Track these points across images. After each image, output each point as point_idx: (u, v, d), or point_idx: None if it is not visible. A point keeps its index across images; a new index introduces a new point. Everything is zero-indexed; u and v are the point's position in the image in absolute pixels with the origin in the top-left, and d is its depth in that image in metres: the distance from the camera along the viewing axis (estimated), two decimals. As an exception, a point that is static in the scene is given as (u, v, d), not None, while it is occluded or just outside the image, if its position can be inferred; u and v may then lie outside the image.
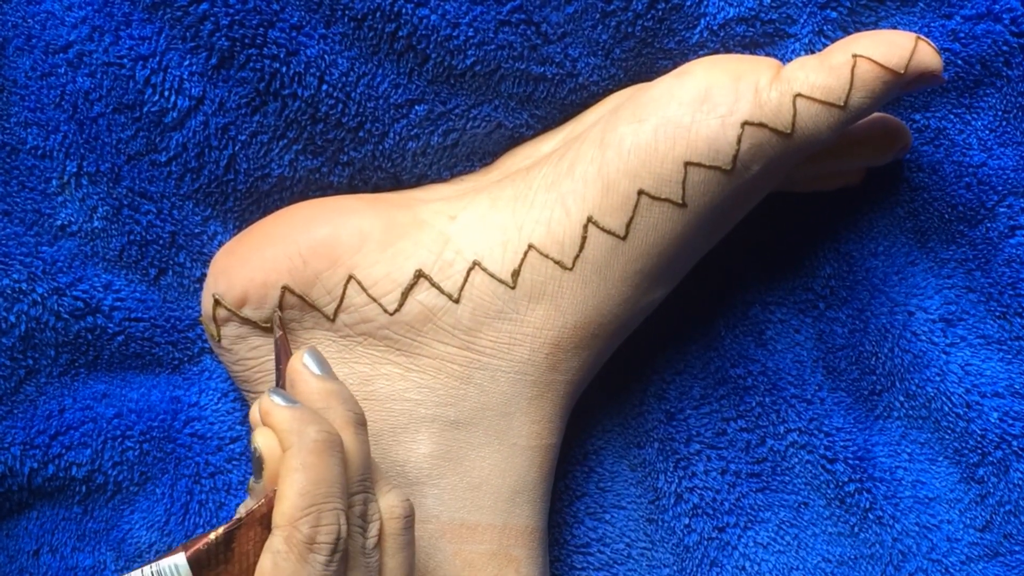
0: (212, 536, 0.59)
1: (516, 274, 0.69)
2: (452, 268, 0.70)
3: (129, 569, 0.77)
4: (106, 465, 0.76)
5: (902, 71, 0.67)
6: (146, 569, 0.59)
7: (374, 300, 0.70)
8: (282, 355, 0.68)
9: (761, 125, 0.67)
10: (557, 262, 0.69)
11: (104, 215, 0.74)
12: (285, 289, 0.70)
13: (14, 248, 0.74)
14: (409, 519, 0.63)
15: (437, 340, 0.70)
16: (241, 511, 0.60)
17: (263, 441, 0.61)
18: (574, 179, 0.69)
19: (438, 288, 0.69)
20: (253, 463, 0.61)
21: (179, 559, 0.59)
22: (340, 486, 0.60)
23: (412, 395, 0.70)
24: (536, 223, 0.70)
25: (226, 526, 0.59)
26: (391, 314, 0.70)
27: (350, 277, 0.70)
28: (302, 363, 0.64)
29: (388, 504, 0.63)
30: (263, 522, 0.59)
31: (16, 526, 0.76)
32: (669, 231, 0.69)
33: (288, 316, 0.71)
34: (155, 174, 0.74)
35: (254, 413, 0.63)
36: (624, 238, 0.69)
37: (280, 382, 0.67)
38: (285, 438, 0.60)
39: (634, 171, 0.68)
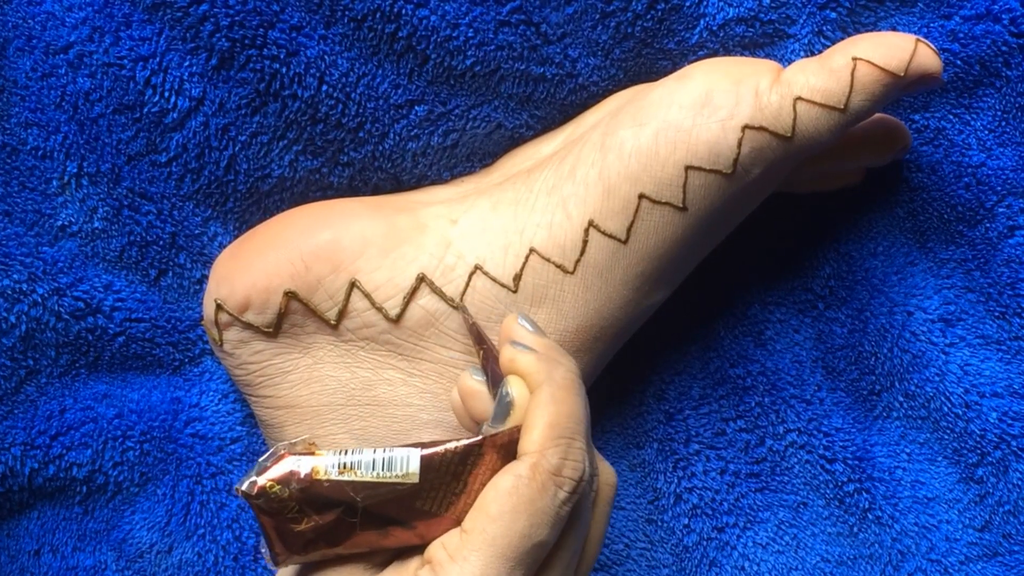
0: (452, 445, 0.58)
1: (518, 278, 0.70)
2: (454, 272, 0.70)
3: (130, 569, 0.77)
4: (107, 465, 0.76)
5: (902, 73, 0.67)
6: (379, 451, 0.58)
7: (376, 306, 0.70)
8: (478, 335, 0.68)
9: (761, 128, 0.67)
10: (559, 266, 0.69)
11: (104, 216, 0.74)
12: (287, 294, 0.70)
13: (15, 248, 0.74)
14: (615, 490, 0.63)
15: (439, 345, 0.70)
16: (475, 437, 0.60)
17: (515, 385, 0.61)
18: (575, 183, 0.69)
19: (440, 293, 0.69)
20: (497, 408, 0.61)
21: (413, 453, 0.58)
22: (586, 427, 0.60)
23: (414, 400, 0.70)
24: (537, 227, 0.70)
25: (466, 442, 0.59)
26: (393, 320, 0.70)
27: (352, 282, 0.70)
28: (518, 323, 0.64)
29: (605, 469, 0.63)
30: (500, 452, 0.59)
31: (17, 526, 0.76)
32: (670, 234, 0.69)
33: (290, 321, 0.71)
34: (155, 175, 0.74)
35: (465, 383, 0.64)
36: (625, 242, 0.69)
37: (485, 361, 0.66)
38: (533, 379, 0.60)
39: (635, 175, 0.68)
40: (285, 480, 0.57)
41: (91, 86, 0.72)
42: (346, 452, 0.58)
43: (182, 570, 0.77)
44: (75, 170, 0.73)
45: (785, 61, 0.76)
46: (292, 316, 0.70)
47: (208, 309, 0.72)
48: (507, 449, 0.59)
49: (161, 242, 0.75)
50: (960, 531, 0.79)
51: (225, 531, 0.78)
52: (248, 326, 0.71)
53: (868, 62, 0.67)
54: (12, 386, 0.75)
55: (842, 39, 0.75)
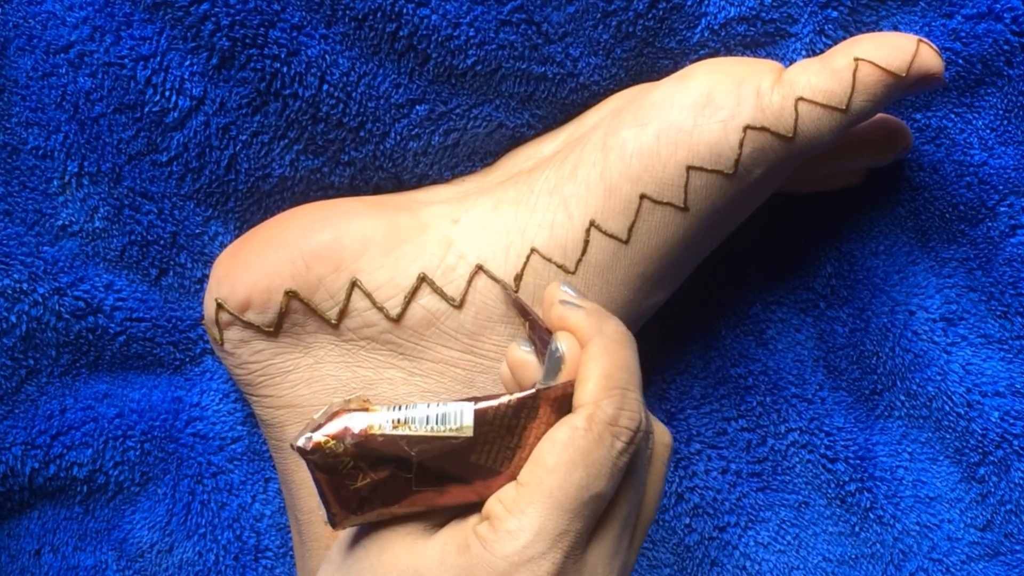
0: (505, 400, 0.58)
1: (519, 278, 0.69)
2: (455, 272, 0.70)
3: (131, 568, 0.77)
4: (107, 465, 0.76)
5: (904, 74, 0.67)
6: (432, 405, 0.58)
7: (377, 305, 0.70)
8: (522, 307, 0.67)
9: (763, 129, 0.67)
10: (560, 266, 0.69)
11: (105, 215, 0.74)
12: (288, 294, 0.70)
13: (15, 248, 0.74)
14: (671, 451, 0.63)
15: (440, 344, 0.70)
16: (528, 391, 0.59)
17: (565, 339, 0.60)
18: (576, 183, 0.69)
19: (441, 293, 0.69)
20: (548, 364, 0.60)
21: (466, 407, 0.57)
22: (639, 378, 0.59)
23: (415, 399, 0.70)
24: (539, 227, 0.70)
25: (520, 395, 0.58)
26: (394, 319, 0.70)
27: (353, 282, 0.70)
28: (562, 289, 0.63)
29: (659, 429, 0.63)
30: (554, 406, 0.58)
31: (18, 526, 0.76)
32: (671, 235, 0.69)
33: (291, 320, 0.71)
34: (156, 174, 0.74)
35: (514, 354, 0.64)
36: (626, 242, 0.69)
37: (531, 331, 0.66)
38: (584, 333, 0.59)
39: (636, 175, 0.68)
40: (339, 436, 0.57)
41: (92, 85, 0.72)
42: (399, 408, 0.58)
43: (183, 569, 0.77)
44: (76, 169, 0.73)
45: (786, 60, 0.76)
46: (293, 316, 0.70)
47: (209, 308, 0.72)
48: (560, 403, 0.58)
49: (162, 241, 0.75)
50: (962, 530, 0.79)
51: (226, 531, 0.78)
52: (249, 325, 0.71)
53: (870, 63, 0.67)
54: (13, 386, 0.75)
55: (844, 38, 0.75)
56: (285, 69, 0.72)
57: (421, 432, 0.57)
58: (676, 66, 0.76)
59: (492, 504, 0.57)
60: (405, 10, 0.72)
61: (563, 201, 0.69)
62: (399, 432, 0.57)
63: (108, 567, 0.77)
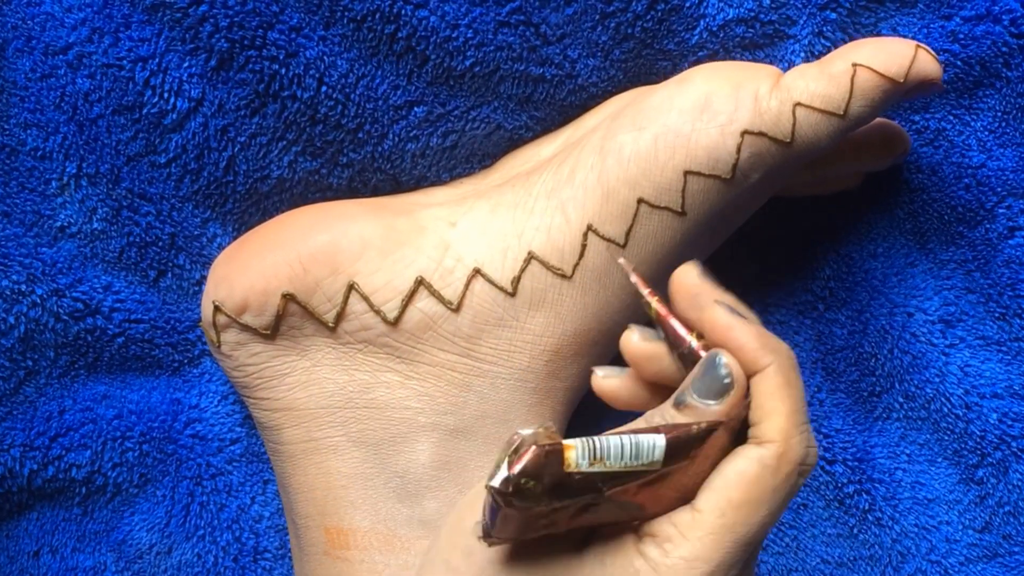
0: (694, 428, 0.56)
1: (516, 281, 0.69)
2: (452, 275, 0.70)
3: (130, 570, 0.77)
4: (106, 467, 0.76)
5: (902, 80, 0.67)
6: (624, 437, 0.55)
7: (375, 308, 0.70)
8: (641, 282, 0.63)
9: (761, 134, 0.67)
10: (557, 270, 0.69)
11: (104, 216, 0.74)
12: (285, 296, 0.70)
13: (13, 249, 0.74)
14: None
15: (437, 348, 0.70)
16: (691, 416, 0.57)
17: (733, 361, 0.57)
18: (574, 186, 0.69)
19: (438, 296, 0.69)
20: (708, 382, 0.58)
21: (659, 440, 0.56)
22: (807, 409, 0.58)
23: (412, 403, 0.70)
24: (536, 230, 0.70)
25: (708, 422, 0.56)
26: (392, 322, 0.70)
27: (351, 285, 0.70)
28: (701, 278, 0.60)
29: None
30: (727, 428, 0.57)
31: (16, 527, 0.76)
32: (668, 239, 0.69)
33: (288, 323, 0.71)
34: (154, 175, 0.74)
35: (639, 346, 0.61)
36: (624, 246, 0.69)
37: (660, 315, 0.61)
38: (759, 357, 0.57)
39: (634, 179, 0.68)
40: (537, 475, 0.54)
41: (90, 87, 0.72)
42: (592, 440, 0.55)
43: (181, 571, 0.77)
44: (74, 171, 0.73)
45: (785, 62, 0.76)
46: (290, 318, 0.70)
47: (206, 311, 0.72)
48: (733, 425, 0.57)
49: (160, 243, 0.75)
50: (960, 532, 0.79)
51: (225, 532, 0.78)
52: (246, 328, 0.71)
53: (868, 68, 0.67)
54: (11, 387, 0.75)
55: (842, 39, 0.75)
56: (283, 71, 0.72)
57: (615, 468, 0.55)
58: (675, 67, 0.76)
59: (663, 526, 0.57)
60: (404, 11, 0.71)
61: (560, 204, 0.69)
62: (595, 469, 0.55)
63: (107, 568, 0.77)
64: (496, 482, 0.54)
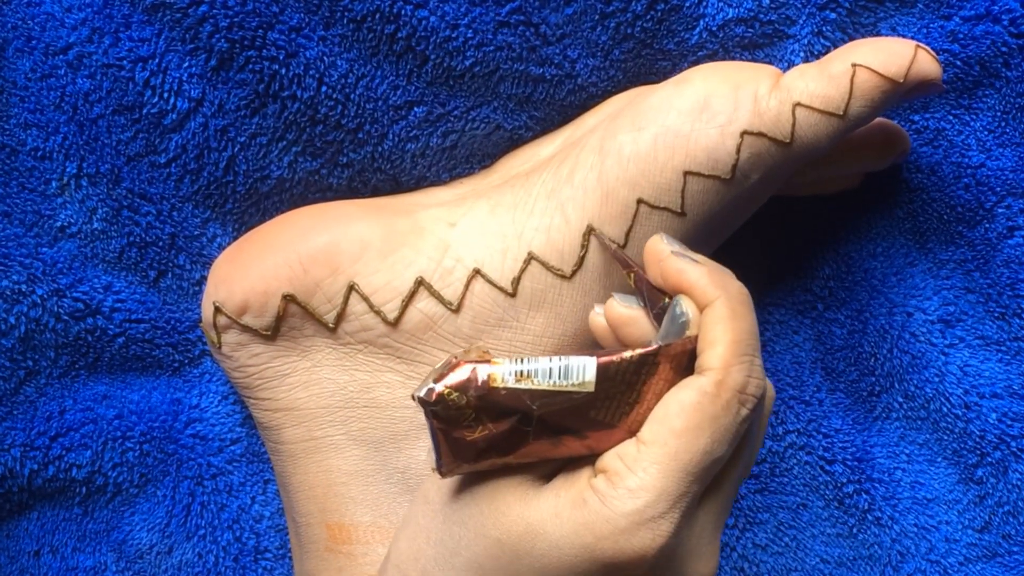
0: (627, 354, 0.58)
1: (516, 282, 0.70)
2: (452, 276, 0.70)
3: (130, 570, 0.77)
4: (106, 466, 0.76)
5: (901, 80, 0.67)
6: (555, 359, 0.57)
7: (375, 309, 0.70)
8: (624, 259, 0.66)
9: (760, 134, 0.67)
10: (557, 270, 0.69)
11: (104, 216, 0.74)
12: (286, 297, 0.70)
13: (14, 249, 0.74)
14: (771, 404, 0.63)
15: (437, 348, 0.70)
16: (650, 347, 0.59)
17: (690, 304, 0.59)
18: (574, 186, 0.69)
19: (438, 296, 0.69)
20: (669, 326, 0.60)
21: (589, 362, 0.57)
22: (758, 343, 0.59)
23: (412, 403, 0.70)
24: (536, 231, 0.70)
25: (642, 351, 0.58)
26: (392, 323, 0.70)
27: (351, 285, 0.70)
28: (666, 241, 0.62)
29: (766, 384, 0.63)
30: (673, 363, 0.58)
31: (17, 527, 0.76)
32: None
33: (289, 324, 0.71)
34: (155, 176, 0.74)
35: (618, 311, 0.63)
36: (623, 246, 0.69)
37: (637, 284, 0.64)
38: (706, 292, 0.59)
39: (633, 180, 0.68)
40: (462, 387, 0.57)
41: (90, 87, 0.72)
42: (521, 360, 0.57)
43: (182, 571, 0.77)
44: (74, 171, 0.73)
45: (785, 61, 0.76)
46: (290, 319, 0.71)
47: (206, 312, 0.72)
48: (679, 360, 0.59)
49: (160, 243, 0.75)
50: (959, 532, 0.79)
51: (226, 532, 0.78)
52: (246, 329, 0.71)
53: (868, 68, 0.67)
54: (11, 387, 0.75)
55: (842, 39, 0.75)
56: (283, 71, 0.72)
57: (544, 386, 0.57)
58: (674, 67, 0.76)
59: (611, 459, 0.58)
60: (403, 12, 0.72)
61: (560, 205, 0.69)
62: (522, 386, 0.57)
63: (107, 568, 0.77)
64: (421, 392, 0.56)
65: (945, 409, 0.79)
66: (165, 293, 0.76)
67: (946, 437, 0.79)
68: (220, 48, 0.71)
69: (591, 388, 0.57)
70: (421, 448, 0.71)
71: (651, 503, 0.56)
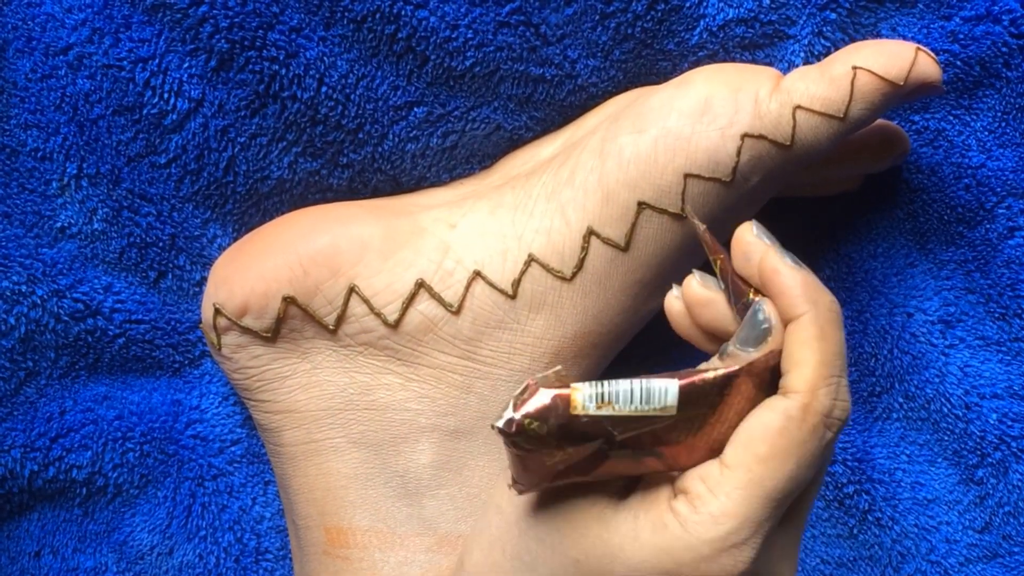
0: (710, 375, 0.56)
1: (516, 284, 0.69)
2: (452, 278, 0.70)
3: (131, 571, 0.77)
4: (107, 467, 0.76)
5: (902, 82, 0.67)
6: (635, 382, 0.56)
7: (375, 311, 0.70)
8: (712, 242, 0.63)
9: (761, 137, 0.67)
10: (557, 272, 0.69)
11: (104, 217, 0.74)
12: (286, 299, 0.70)
13: (14, 250, 0.74)
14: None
15: (438, 350, 0.70)
16: (728, 364, 0.58)
17: (773, 310, 0.58)
18: (574, 188, 0.69)
19: (438, 298, 0.70)
20: (749, 330, 0.58)
21: (671, 385, 0.56)
22: (845, 362, 0.58)
23: (412, 405, 0.70)
24: (536, 232, 0.70)
25: (724, 371, 0.57)
26: (392, 325, 0.70)
27: (351, 287, 0.70)
28: (757, 234, 0.60)
29: None
30: (755, 379, 0.57)
31: (17, 528, 0.76)
32: (669, 242, 0.69)
33: (289, 326, 0.71)
34: (155, 176, 0.74)
35: (697, 291, 0.61)
36: (624, 249, 0.69)
37: (724, 269, 0.62)
38: (796, 304, 0.57)
39: (634, 182, 0.68)
40: (542, 415, 0.55)
41: (91, 87, 0.72)
42: (601, 383, 0.56)
43: (183, 572, 0.78)
44: (75, 171, 0.73)
45: (785, 62, 0.76)
46: (291, 321, 0.71)
47: (206, 313, 0.72)
48: (761, 377, 0.57)
49: (161, 244, 0.75)
50: (960, 532, 0.79)
51: (227, 533, 0.78)
52: (246, 331, 0.71)
53: (868, 71, 0.67)
54: (12, 388, 0.75)
55: (842, 40, 0.75)
56: (284, 71, 0.72)
57: (625, 412, 0.56)
58: (675, 68, 0.76)
59: (692, 481, 0.57)
60: (403, 12, 0.71)
61: (560, 207, 0.69)
62: (603, 412, 0.56)
63: (108, 569, 0.77)
64: (500, 423, 0.55)
65: (945, 410, 0.79)
66: (165, 294, 0.76)
67: (946, 438, 0.79)
68: (220, 48, 0.71)
69: (673, 412, 0.56)
70: (420, 452, 0.71)
71: (734, 530, 0.55)
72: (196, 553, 0.78)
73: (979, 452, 0.79)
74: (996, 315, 0.79)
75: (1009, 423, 0.78)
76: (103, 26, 0.71)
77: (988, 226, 0.78)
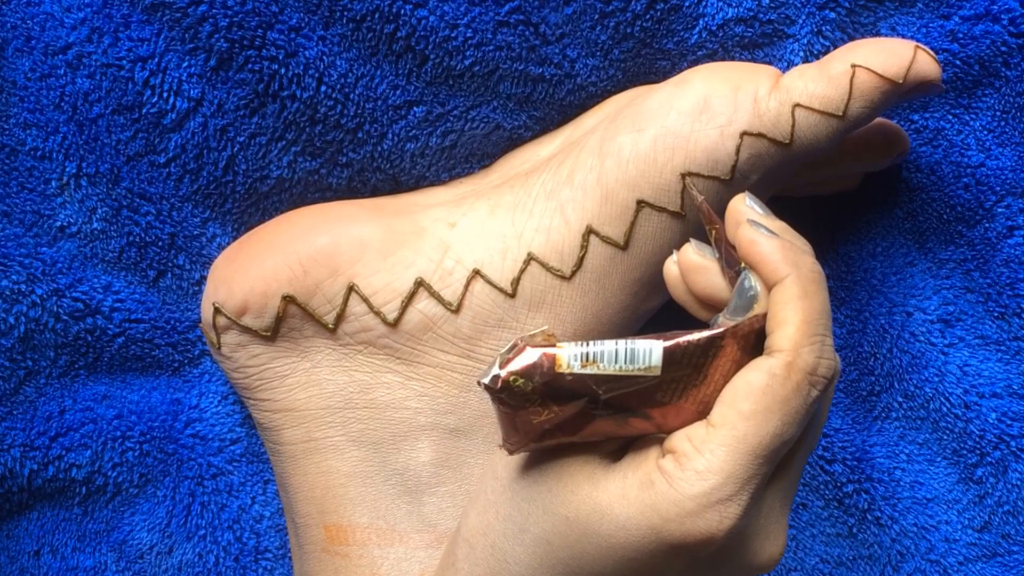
0: (694, 337, 0.57)
1: (516, 283, 0.70)
2: (452, 277, 0.70)
3: (130, 570, 0.77)
4: (106, 467, 0.76)
5: (901, 80, 0.67)
6: (620, 342, 0.57)
7: (374, 310, 0.70)
8: (708, 213, 0.63)
9: (760, 135, 0.67)
10: (557, 271, 0.69)
11: (103, 216, 0.74)
12: (285, 298, 0.70)
13: (13, 249, 0.74)
14: (838, 377, 0.62)
15: (437, 349, 0.70)
16: (716, 328, 0.58)
17: (756, 277, 0.59)
18: (573, 187, 0.69)
19: (438, 297, 0.70)
20: (738, 300, 0.59)
21: (655, 346, 0.57)
22: (830, 322, 0.59)
23: (412, 403, 0.70)
24: (536, 232, 0.70)
25: (709, 333, 0.57)
26: (391, 324, 0.70)
27: (351, 286, 0.70)
28: (748, 204, 0.61)
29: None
30: (740, 342, 0.58)
31: (17, 527, 0.76)
32: (668, 240, 0.69)
33: (288, 325, 0.71)
34: (154, 175, 0.74)
35: (691, 257, 0.62)
36: (624, 248, 0.69)
37: (718, 238, 0.62)
38: (778, 268, 0.58)
39: (633, 181, 0.68)
40: (527, 373, 0.56)
41: (90, 87, 0.72)
42: (586, 343, 0.57)
43: (182, 571, 0.77)
44: (74, 171, 0.73)
45: (784, 61, 0.76)
46: (290, 320, 0.71)
47: (206, 313, 0.72)
48: (747, 340, 0.58)
49: (160, 243, 0.75)
50: (959, 532, 0.79)
51: (226, 532, 0.78)
52: (246, 330, 0.71)
53: (867, 69, 0.67)
54: (11, 387, 0.75)
55: (841, 39, 0.75)
56: (283, 70, 0.72)
57: (609, 371, 0.57)
58: (674, 67, 0.76)
59: (679, 441, 0.58)
60: (403, 11, 0.72)
61: (560, 206, 0.70)
62: (588, 371, 0.57)
63: (108, 568, 0.77)
64: (486, 379, 0.56)
65: (945, 409, 0.79)
66: (165, 293, 0.76)
67: (946, 437, 0.79)
68: (220, 48, 0.71)
69: (657, 372, 0.57)
70: (419, 450, 0.71)
71: (719, 486, 0.56)
72: (195, 552, 0.78)
73: (978, 451, 0.79)
74: (995, 314, 0.79)
75: (1008, 422, 0.78)
76: (102, 25, 0.71)
77: (987, 225, 0.78)
